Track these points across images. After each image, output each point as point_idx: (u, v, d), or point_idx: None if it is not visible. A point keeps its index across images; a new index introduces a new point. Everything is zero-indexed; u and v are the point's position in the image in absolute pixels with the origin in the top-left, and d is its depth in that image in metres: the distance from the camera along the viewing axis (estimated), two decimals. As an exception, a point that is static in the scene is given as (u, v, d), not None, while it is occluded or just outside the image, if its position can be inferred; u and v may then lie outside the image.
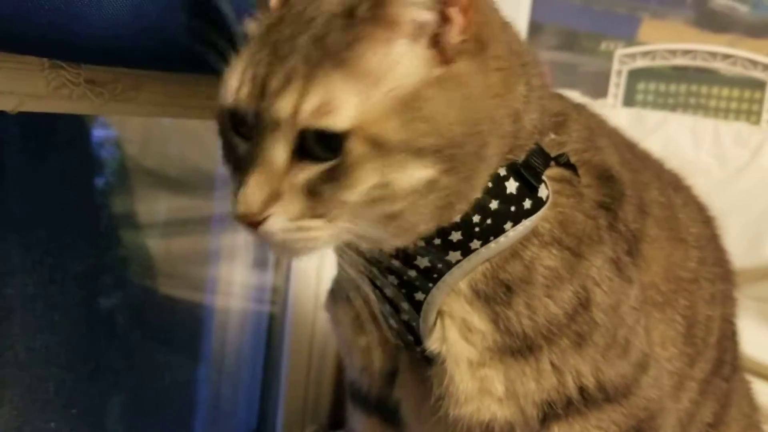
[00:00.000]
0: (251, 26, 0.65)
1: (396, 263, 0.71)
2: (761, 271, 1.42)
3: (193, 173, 1.51)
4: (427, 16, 0.61)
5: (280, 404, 1.43)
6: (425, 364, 0.78)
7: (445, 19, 0.61)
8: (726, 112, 1.74)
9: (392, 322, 0.78)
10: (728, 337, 0.94)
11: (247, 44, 0.64)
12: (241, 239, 1.47)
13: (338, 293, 0.85)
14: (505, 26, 0.71)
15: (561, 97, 0.82)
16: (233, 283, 1.46)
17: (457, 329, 0.73)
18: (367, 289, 0.75)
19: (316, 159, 0.60)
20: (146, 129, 1.43)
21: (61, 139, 1.14)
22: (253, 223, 0.60)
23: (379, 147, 0.59)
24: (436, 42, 0.62)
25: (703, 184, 1.46)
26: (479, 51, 0.64)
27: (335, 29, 0.60)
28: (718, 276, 0.91)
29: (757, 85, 1.60)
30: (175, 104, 0.80)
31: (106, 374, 1.28)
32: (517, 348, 0.72)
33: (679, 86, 1.74)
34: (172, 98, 0.78)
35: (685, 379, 0.86)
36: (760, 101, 1.59)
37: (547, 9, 1.88)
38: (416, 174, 0.61)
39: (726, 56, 1.51)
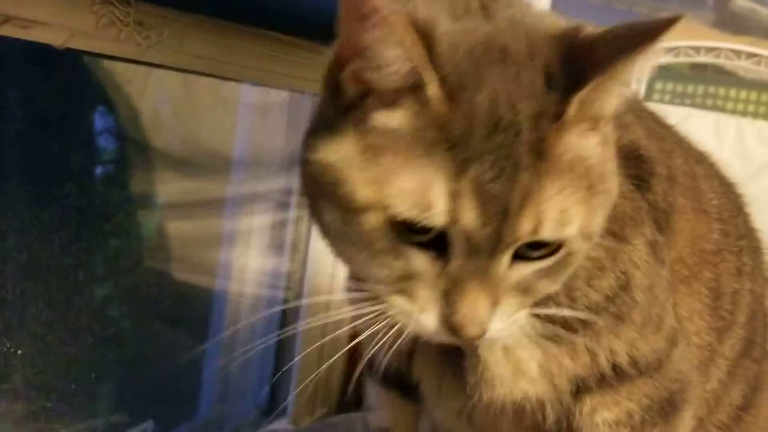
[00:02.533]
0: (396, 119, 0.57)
1: None
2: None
3: (207, 155, 1.50)
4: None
5: (292, 386, 1.42)
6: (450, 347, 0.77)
7: None
8: (743, 114, 1.75)
9: None
10: (758, 317, 0.93)
11: (416, 147, 0.57)
12: (255, 223, 1.46)
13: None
14: None
15: None
16: (248, 267, 1.46)
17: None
18: None
19: (529, 259, 0.61)
20: (156, 110, 1.43)
21: (66, 116, 1.14)
22: (471, 339, 0.60)
23: (590, 237, 0.62)
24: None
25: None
26: None
27: (546, 137, 0.57)
28: (745, 249, 0.90)
29: (776, 86, 1.60)
30: (215, 58, 0.80)
31: (119, 355, 1.28)
32: (555, 332, 0.72)
33: (697, 87, 1.74)
34: (213, 50, 0.77)
35: (715, 355, 0.86)
36: (781, 102, 1.60)
37: (567, 8, 1.89)
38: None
39: (750, 55, 1.51)
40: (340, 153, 0.58)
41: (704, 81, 1.71)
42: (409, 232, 0.57)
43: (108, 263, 1.28)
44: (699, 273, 0.84)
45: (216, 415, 1.44)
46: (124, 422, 1.27)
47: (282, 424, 1.40)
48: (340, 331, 0.83)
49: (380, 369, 0.91)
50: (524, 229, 0.57)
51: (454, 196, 0.55)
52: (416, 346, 0.83)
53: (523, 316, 0.63)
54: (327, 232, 0.63)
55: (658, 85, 1.75)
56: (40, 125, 1.08)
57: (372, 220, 0.57)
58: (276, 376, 1.44)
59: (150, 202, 1.40)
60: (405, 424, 0.96)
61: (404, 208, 0.55)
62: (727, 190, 0.94)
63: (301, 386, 1.43)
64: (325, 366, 1.45)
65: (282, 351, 1.45)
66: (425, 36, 0.55)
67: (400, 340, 0.61)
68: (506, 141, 0.56)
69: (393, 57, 0.55)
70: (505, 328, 0.61)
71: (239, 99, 1.37)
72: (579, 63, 0.57)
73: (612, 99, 0.60)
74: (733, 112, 1.76)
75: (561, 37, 0.59)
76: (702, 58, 1.51)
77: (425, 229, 0.57)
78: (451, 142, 0.55)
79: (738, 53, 1.51)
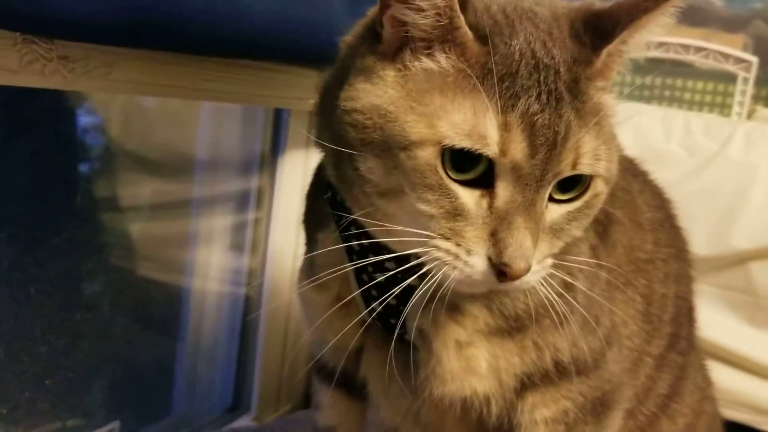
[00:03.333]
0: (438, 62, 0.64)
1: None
2: (727, 260, 1.45)
3: (173, 157, 1.52)
4: None
5: (255, 383, 1.45)
6: (400, 344, 0.80)
7: None
8: (700, 105, 1.77)
9: (375, 305, 0.80)
10: (683, 313, 0.98)
11: (462, 85, 0.63)
12: (218, 223, 1.48)
13: (310, 275, 0.87)
14: None
15: None
16: (210, 265, 1.48)
17: (448, 312, 0.76)
18: (352, 275, 0.79)
19: (560, 202, 0.66)
20: (128, 112, 1.44)
21: (42, 119, 1.15)
22: (517, 275, 0.63)
23: (609, 182, 0.69)
24: None
25: (673, 174, 1.49)
26: None
27: (580, 79, 0.65)
28: (672, 256, 0.95)
29: (729, 78, 1.63)
30: (148, 82, 0.82)
31: (85, 351, 1.30)
32: (506, 329, 0.76)
33: (654, 78, 1.77)
34: (145, 76, 0.80)
35: (643, 355, 0.90)
36: (732, 94, 1.62)
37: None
38: None
39: (699, 49, 1.53)
40: (386, 96, 0.63)
41: (661, 72, 1.74)
42: (457, 171, 0.62)
43: (77, 264, 1.30)
44: (634, 281, 0.88)
45: (183, 414, 1.47)
46: (90, 423, 1.29)
47: (245, 421, 1.43)
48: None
49: (326, 368, 0.95)
50: (567, 161, 0.62)
51: (504, 128, 0.61)
52: (364, 344, 0.86)
53: (549, 264, 0.67)
54: (366, 182, 0.66)
55: (617, 77, 1.76)
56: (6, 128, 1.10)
57: (424, 155, 0.61)
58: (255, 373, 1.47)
59: (118, 204, 1.42)
60: (351, 423, 0.99)
61: (458, 140, 0.60)
62: (658, 201, 0.98)
63: (264, 383, 1.47)
64: (287, 364, 1.49)
65: (245, 349, 1.47)
66: None
67: (441, 290, 0.65)
68: (547, 78, 0.63)
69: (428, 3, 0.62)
70: (538, 270, 0.65)
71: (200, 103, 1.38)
72: (602, 24, 0.65)
73: (619, 64, 0.67)
74: (690, 102, 1.78)
75: (578, 8, 0.68)
76: (653, 53, 1.53)
77: (473, 165, 0.62)
78: (497, 78, 0.61)
79: (687, 47, 1.53)
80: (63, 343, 1.22)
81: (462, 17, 0.62)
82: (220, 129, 1.42)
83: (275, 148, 1.37)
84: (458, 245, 0.63)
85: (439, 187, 0.62)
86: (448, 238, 0.63)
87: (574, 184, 0.66)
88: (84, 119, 1.34)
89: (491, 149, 0.61)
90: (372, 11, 0.68)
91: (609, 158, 0.67)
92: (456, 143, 0.61)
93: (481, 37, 0.63)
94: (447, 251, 0.63)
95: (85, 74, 0.72)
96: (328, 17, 0.96)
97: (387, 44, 0.66)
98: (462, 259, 0.62)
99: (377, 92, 0.64)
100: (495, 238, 0.62)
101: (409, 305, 0.73)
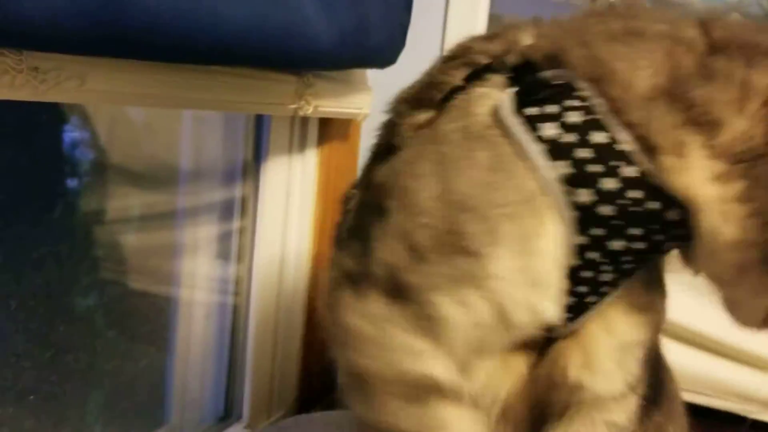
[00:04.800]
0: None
1: None
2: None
3: (157, 168, 1.52)
4: None
5: (246, 392, 1.45)
6: None
7: None
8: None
9: None
10: None
11: None
12: (203, 232, 1.48)
13: None
14: None
15: None
16: (197, 275, 1.48)
17: None
18: None
19: None
20: (114, 125, 1.44)
21: (23, 133, 1.16)
22: None
23: None
24: None
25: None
26: None
27: None
28: None
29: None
30: (123, 92, 0.82)
31: (71, 365, 1.29)
32: None
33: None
34: (120, 86, 0.80)
35: None
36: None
37: (506, 1, 1.91)
38: None
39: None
40: None
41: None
42: None
43: (61, 278, 1.29)
44: None
45: (176, 425, 1.46)
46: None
47: (237, 429, 1.43)
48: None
49: None
50: None
51: None
52: None
53: None
54: None
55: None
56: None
57: None
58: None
59: (104, 217, 1.41)
60: None
61: None
62: None
63: (255, 390, 1.47)
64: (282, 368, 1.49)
65: (234, 357, 1.47)
66: None
67: None
68: None
69: None
70: None
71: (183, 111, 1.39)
72: None
73: None
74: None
75: None
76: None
77: None
78: None
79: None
80: (48, 358, 1.21)
81: None
82: (202, 138, 1.43)
83: (257, 155, 1.38)
84: None
85: None
86: None
87: None
88: (72, 134, 1.34)
89: None
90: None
91: None
92: None
93: None
94: None
95: (57, 85, 0.72)
96: (302, 22, 0.97)
97: None
98: None
99: None
100: None
101: None
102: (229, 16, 0.81)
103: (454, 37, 1.99)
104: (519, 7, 1.97)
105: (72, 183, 1.40)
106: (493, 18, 1.93)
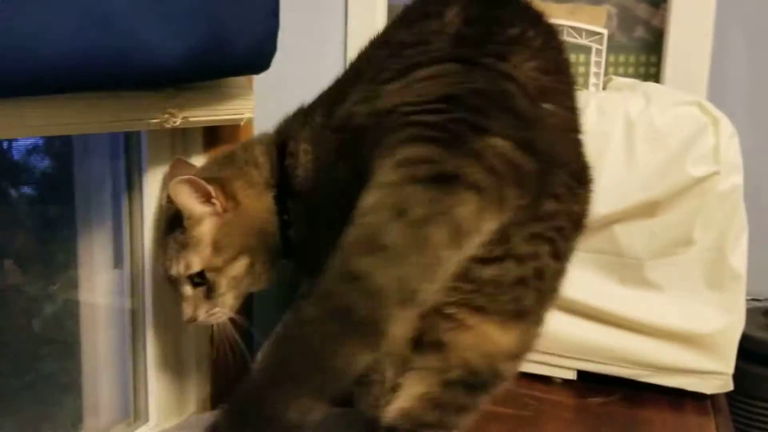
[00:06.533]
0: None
1: None
2: (593, 225, 1.52)
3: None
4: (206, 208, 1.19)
5: (150, 393, 1.49)
6: None
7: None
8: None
9: None
10: None
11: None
12: (98, 240, 1.51)
13: None
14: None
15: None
16: (96, 281, 1.50)
17: None
18: None
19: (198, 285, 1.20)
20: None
21: None
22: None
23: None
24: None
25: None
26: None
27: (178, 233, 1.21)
28: None
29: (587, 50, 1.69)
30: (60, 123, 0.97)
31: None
32: None
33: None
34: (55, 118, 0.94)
35: None
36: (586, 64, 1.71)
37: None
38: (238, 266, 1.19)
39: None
40: None
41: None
42: None
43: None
44: None
45: (88, 430, 1.50)
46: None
47: (144, 430, 1.47)
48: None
49: None
50: (175, 271, 1.25)
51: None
52: None
53: (221, 311, 1.25)
54: None
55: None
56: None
57: None
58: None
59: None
60: None
61: None
62: None
63: (161, 391, 1.51)
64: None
65: (137, 361, 1.51)
66: None
67: None
68: (163, 231, 1.33)
69: None
70: (205, 318, 1.26)
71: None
72: None
73: None
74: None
75: None
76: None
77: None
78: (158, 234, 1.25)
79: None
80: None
81: None
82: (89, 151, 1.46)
83: (140, 166, 1.41)
84: None
85: None
86: None
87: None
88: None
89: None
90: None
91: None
92: None
93: None
94: None
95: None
96: (137, 46, 1.00)
97: None
98: None
99: None
100: None
101: None
102: (49, 48, 0.85)
103: (357, 30, 2.04)
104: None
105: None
106: (392, 9, 1.97)
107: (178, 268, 1.19)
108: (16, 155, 1.49)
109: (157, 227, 1.38)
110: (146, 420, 1.49)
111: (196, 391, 1.57)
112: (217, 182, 1.18)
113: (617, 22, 1.88)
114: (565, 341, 1.52)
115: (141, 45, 0.99)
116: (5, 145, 1.42)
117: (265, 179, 1.20)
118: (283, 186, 1.18)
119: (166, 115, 1.20)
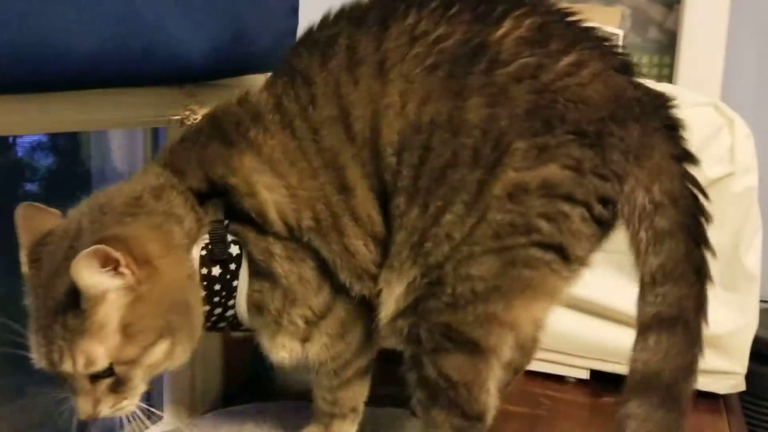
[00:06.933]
0: None
1: None
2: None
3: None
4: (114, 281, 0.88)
5: (164, 391, 1.49)
6: None
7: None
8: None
9: None
10: None
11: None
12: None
13: None
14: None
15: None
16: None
17: None
18: None
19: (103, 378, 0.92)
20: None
21: None
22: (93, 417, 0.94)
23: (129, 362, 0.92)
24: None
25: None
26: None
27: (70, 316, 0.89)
28: None
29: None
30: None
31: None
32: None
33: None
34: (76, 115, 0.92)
35: None
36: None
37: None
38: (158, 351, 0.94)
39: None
40: None
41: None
42: None
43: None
44: None
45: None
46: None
47: (156, 429, 1.46)
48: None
49: None
50: (68, 367, 0.92)
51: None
52: None
53: (128, 404, 0.98)
54: None
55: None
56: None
57: None
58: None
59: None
60: None
61: None
62: None
63: (174, 389, 1.51)
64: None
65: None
66: None
67: None
68: (45, 311, 0.96)
69: None
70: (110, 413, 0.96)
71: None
72: None
73: None
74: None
75: None
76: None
77: None
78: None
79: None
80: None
81: None
82: (107, 149, 1.46)
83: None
84: None
85: None
86: None
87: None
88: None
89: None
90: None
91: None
92: None
93: None
94: None
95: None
96: (166, 40, 1.00)
97: None
98: None
99: None
100: None
101: None
102: (77, 44, 0.85)
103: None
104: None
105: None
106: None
107: (72, 365, 0.88)
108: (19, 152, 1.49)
109: (33, 302, 0.94)
110: (159, 418, 1.49)
111: (208, 389, 1.56)
112: (123, 243, 0.87)
113: (631, 23, 1.89)
114: (578, 341, 1.52)
115: (167, 40, 0.99)
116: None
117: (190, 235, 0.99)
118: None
119: (187, 112, 1.20)
